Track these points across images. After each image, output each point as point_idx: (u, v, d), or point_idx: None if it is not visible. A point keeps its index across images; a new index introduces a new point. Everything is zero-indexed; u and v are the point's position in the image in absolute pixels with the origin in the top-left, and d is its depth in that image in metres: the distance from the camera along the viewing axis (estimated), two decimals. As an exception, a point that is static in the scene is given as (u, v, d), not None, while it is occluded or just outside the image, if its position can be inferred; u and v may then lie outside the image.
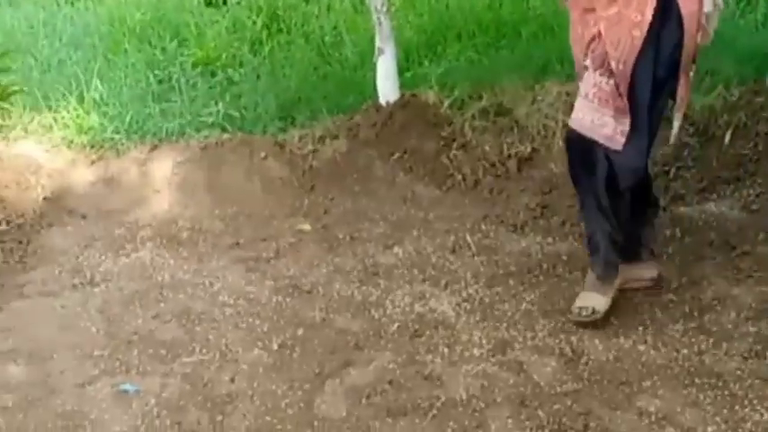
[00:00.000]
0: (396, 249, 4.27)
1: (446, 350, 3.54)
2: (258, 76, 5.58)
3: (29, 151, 4.95)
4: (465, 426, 3.16)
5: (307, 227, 4.47)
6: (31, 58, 5.92)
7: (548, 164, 4.67)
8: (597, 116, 3.44)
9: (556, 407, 3.20)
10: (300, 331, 3.72)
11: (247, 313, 3.87)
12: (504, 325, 3.66)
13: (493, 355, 3.50)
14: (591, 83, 3.44)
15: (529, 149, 4.72)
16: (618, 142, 3.42)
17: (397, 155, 4.83)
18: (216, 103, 5.26)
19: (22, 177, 4.76)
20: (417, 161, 4.79)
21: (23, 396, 3.46)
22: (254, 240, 4.45)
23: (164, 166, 4.86)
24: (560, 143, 4.56)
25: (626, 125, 3.41)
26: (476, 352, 3.53)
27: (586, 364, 3.41)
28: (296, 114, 5.12)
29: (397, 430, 3.17)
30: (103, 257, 4.37)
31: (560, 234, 4.26)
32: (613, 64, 3.37)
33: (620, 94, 3.39)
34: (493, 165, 4.72)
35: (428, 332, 3.65)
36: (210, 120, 5.13)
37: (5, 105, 5.27)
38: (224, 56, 5.70)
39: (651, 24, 3.35)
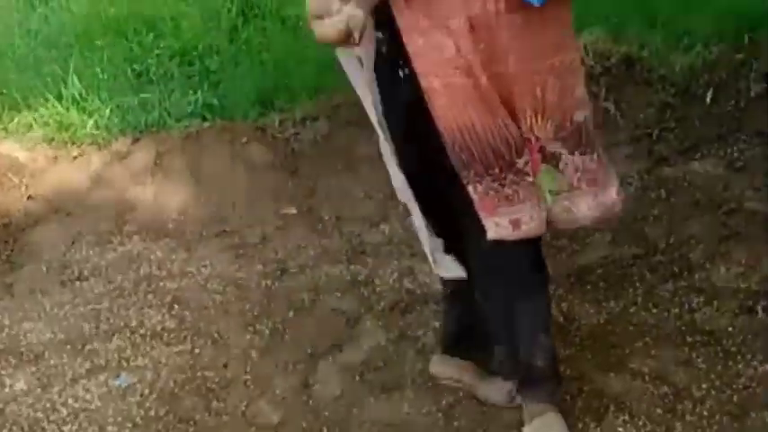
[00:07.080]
0: (382, 227, 4.24)
1: (437, 324, 3.54)
2: (236, 64, 5.54)
3: (9, 151, 4.91)
4: (460, 397, 3.17)
5: (292, 210, 4.44)
6: (8, 60, 5.86)
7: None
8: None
9: (549, 373, 3.20)
10: (291, 314, 3.72)
11: (238, 299, 3.86)
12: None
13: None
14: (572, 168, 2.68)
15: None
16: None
17: (379, 133, 4.79)
18: (194, 92, 5.21)
19: (5, 178, 4.72)
20: (400, 139, 4.74)
21: (16, 395, 3.46)
22: (240, 226, 4.41)
23: (146, 158, 4.82)
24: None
25: None
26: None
27: (578, 329, 3.40)
28: (276, 99, 5.07)
29: (391, 405, 3.18)
30: (91, 252, 4.34)
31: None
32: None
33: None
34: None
35: (418, 307, 3.65)
36: (190, 109, 5.08)
37: (-17, 108, 5.22)
38: (200, 46, 5.64)
39: None
